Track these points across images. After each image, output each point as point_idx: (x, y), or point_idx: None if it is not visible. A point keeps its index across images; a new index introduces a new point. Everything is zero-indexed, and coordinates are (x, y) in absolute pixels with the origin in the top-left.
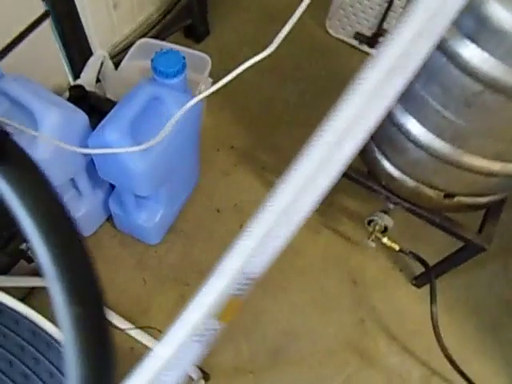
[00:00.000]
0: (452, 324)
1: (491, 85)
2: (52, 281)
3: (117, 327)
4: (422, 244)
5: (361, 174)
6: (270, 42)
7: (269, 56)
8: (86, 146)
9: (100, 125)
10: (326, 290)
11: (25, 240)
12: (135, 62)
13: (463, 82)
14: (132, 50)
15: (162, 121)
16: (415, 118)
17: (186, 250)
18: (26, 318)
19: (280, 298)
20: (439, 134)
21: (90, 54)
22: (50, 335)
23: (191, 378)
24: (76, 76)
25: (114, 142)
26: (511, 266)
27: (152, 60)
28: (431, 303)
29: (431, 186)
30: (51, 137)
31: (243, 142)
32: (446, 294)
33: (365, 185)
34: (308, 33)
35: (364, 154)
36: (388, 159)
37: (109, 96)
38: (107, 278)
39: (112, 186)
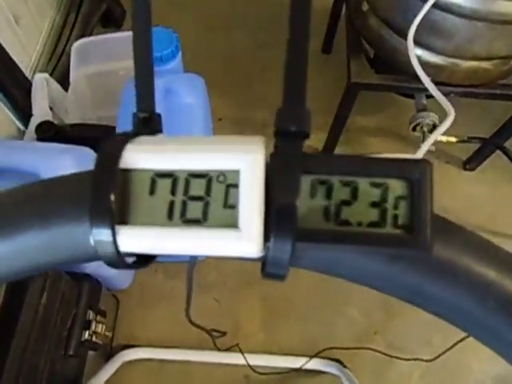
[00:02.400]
0: None
1: None
2: None
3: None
4: (455, 129)
5: (402, 80)
6: None
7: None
8: None
9: None
10: None
11: (85, 326)
12: (84, 71)
13: None
14: (73, 60)
15: (185, 113)
16: None
17: None
18: None
19: None
20: None
21: (29, 84)
22: None
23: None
24: (24, 117)
25: None
26: None
27: None
28: None
29: (489, 58)
30: None
31: (228, 110)
32: None
33: (411, 89)
34: None
35: (395, 56)
36: (433, 50)
37: (71, 121)
38: (179, 316)
39: None
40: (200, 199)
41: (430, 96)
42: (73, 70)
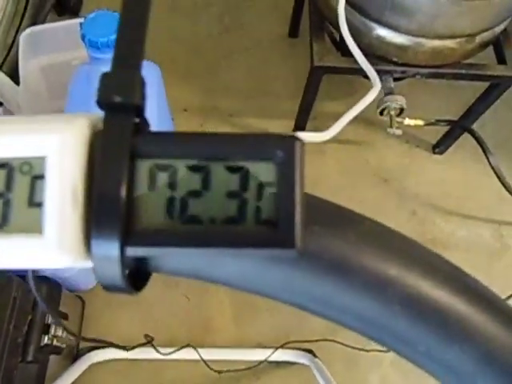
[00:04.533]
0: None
1: None
2: None
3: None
4: (423, 112)
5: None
6: None
7: None
8: None
9: None
10: (365, 201)
11: (44, 330)
12: (35, 62)
13: None
14: (21, 51)
15: None
16: None
17: None
18: None
19: None
20: None
21: None
22: None
23: None
24: None
25: None
26: None
27: (83, 35)
28: (485, 153)
29: (453, 36)
30: None
31: (193, 100)
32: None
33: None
34: None
35: (358, 37)
36: (396, 30)
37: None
38: (148, 316)
39: None
40: (6, 198)
41: (397, 79)
42: (22, 61)
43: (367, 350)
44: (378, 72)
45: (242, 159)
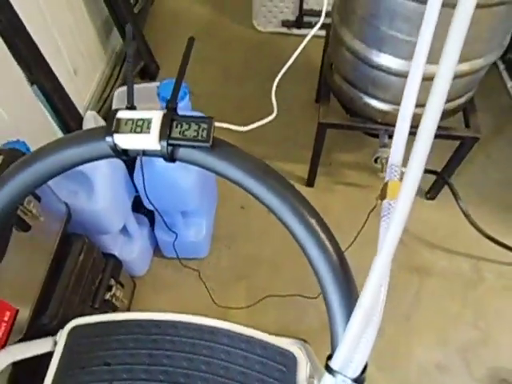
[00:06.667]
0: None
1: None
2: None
3: None
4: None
5: (358, 121)
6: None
7: (220, 66)
8: (129, 188)
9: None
10: (362, 230)
11: (108, 288)
12: None
13: (421, 9)
14: (114, 103)
15: None
16: (390, 54)
17: (233, 251)
18: None
19: None
20: None
21: (80, 118)
22: None
23: None
24: None
25: (164, 167)
26: (493, 154)
27: (158, 93)
28: (457, 200)
29: (422, 105)
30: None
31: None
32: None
33: (364, 128)
34: (240, 37)
35: (353, 104)
36: (377, 98)
37: None
38: (182, 304)
39: (150, 221)
40: (141, 125)
41: (391, 136)
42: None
43: None
44: (366, 129)
45: (200, 123)
